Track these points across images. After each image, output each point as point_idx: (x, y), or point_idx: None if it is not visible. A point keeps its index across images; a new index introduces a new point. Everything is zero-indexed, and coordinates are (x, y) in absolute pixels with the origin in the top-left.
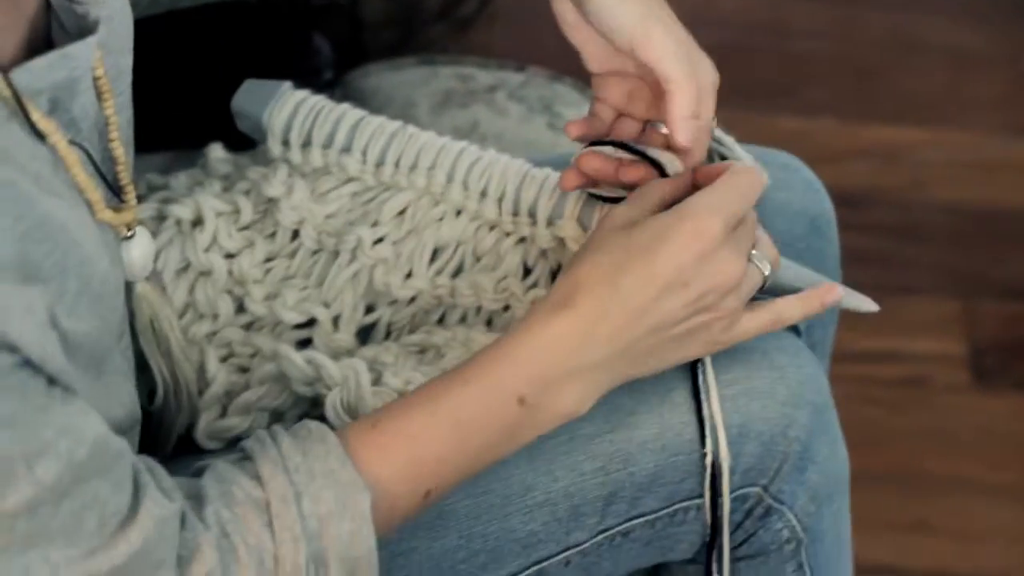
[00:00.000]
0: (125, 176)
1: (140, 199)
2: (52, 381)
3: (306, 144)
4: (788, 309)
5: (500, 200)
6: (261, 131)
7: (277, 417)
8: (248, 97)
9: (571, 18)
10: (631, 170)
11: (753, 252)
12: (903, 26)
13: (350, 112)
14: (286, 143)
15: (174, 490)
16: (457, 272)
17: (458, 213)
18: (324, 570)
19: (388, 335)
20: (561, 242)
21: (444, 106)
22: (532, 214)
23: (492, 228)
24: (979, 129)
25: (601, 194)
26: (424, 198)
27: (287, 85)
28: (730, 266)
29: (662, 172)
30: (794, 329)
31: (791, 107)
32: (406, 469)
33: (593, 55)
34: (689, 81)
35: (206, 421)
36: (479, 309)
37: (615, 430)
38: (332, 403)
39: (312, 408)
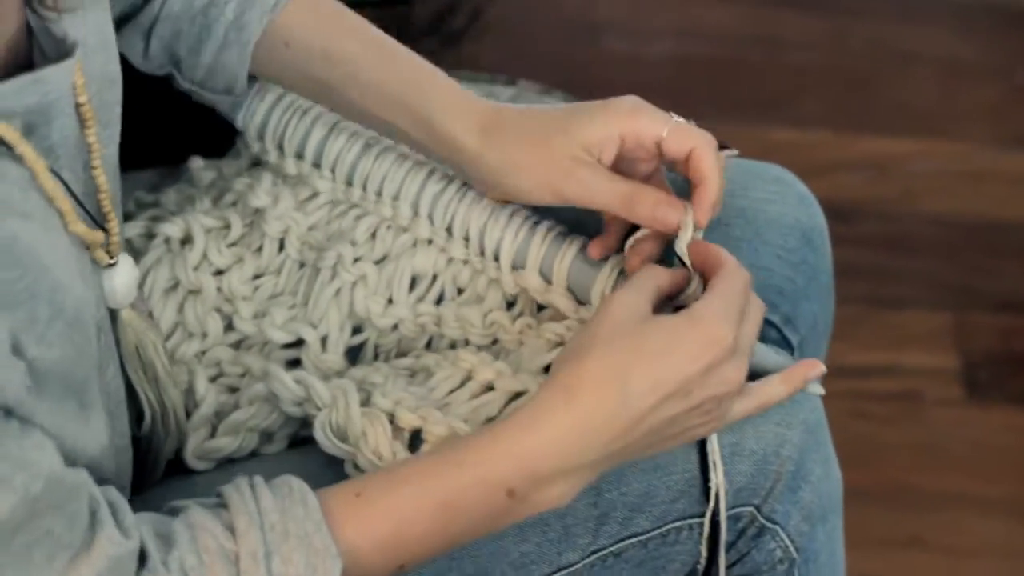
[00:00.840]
0: (107, 204)
1: (129, 217)
2: (9, 412)
3: (279, 148)
4: (773, 391)
5: (466, 240)
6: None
7: (267, 437)
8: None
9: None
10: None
11: None
12: (895, 37)
13: (322, 118)
14: (261, 140)
15: (133, 528)
16: (439, 301)
17: (429, 242)
18: None
19: (376, 357)
20: (525, 289)
21: None
22: (496, 257)
23: (464, 263)
24: (971, 140)
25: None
26: (392, 223)
27: (258, 83)
28: (734, 374)
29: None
30: (787, 346)
31: (783, 119)
32: (384, 543)
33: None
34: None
35: (195, 442)
36: (467, 340)
37: None
38: (321, 424)
39: (302, 428)
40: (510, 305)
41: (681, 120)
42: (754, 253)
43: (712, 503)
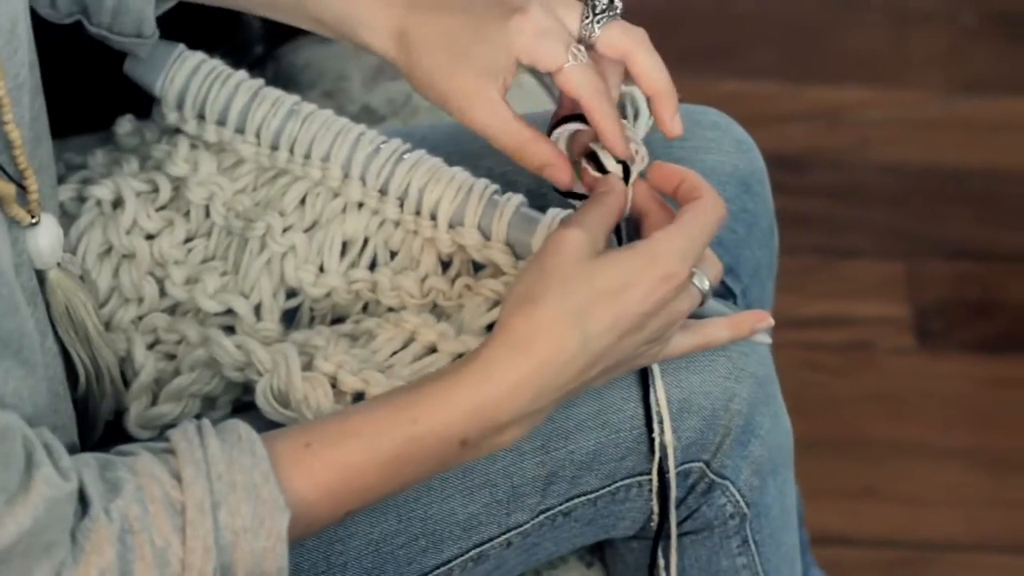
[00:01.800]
0: (23, 160)
1: (60, 180)
2: None
3: (200, 116)
4: (718, 332)
5: (401, 200)
6: (155, 83)
7: (210, 402)
8: (141, 60)
9: None
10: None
11: (694, 270)
12: None
13: (244, 84)
14: (180, 110)
15: (71, 470)
16: (372, 266)
17: (360, 205)
18: None
19: (312, 320)
20: (463, 247)
21: (377, 79)
22: (433, 216)
23: (397, 225)
24: (921, 87)
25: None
26: (321, 189)
27: (180, 48)
28: (685, 305)
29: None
30: (730, 296)
31: (731, 69)
32: (332, 493)
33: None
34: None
35: (136, 410)
36: (404, 306)
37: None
38: (262, 390)
39: (244, 394)
40: (445, 267)
41: (583, 58)
42: None
43: (657, 457)
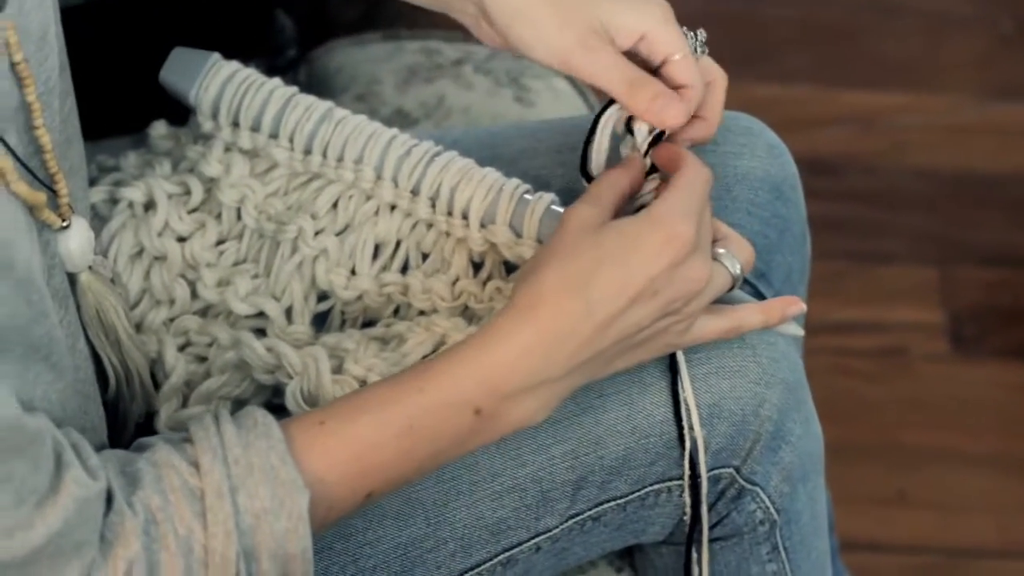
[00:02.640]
0: (53, 164)
1: (92, 182)
2: None
3: (235, 123)
4: (749, 317)
5: (433, 200)
6: (189, 92)
7: (239, 406)
8: (176, 69)
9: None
10: None
11: (722, 251)
12: None
13: (278, 91)
14: (215, 118)
15: (99, 468)
16: (403, 269)
17: (392, 208)
18: (256, 565)
19: (343, 323)
20: (494, 246)
21: (409, 81)
22: (465, 216)
23: (429, 227)
24: (956, 93)
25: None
26: (354, 191)
27: (215, 57)
28: (699, 272)
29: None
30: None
31: (767, 74)
32: (350, 472)
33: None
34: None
35: (167, 412)
36: (435, 310)
37: (584, 412)
38: (292, 392)
39: (274, 396)
40: (477, 269)
41: (698, 54)
42: (724, 210)
43: (688, 451)
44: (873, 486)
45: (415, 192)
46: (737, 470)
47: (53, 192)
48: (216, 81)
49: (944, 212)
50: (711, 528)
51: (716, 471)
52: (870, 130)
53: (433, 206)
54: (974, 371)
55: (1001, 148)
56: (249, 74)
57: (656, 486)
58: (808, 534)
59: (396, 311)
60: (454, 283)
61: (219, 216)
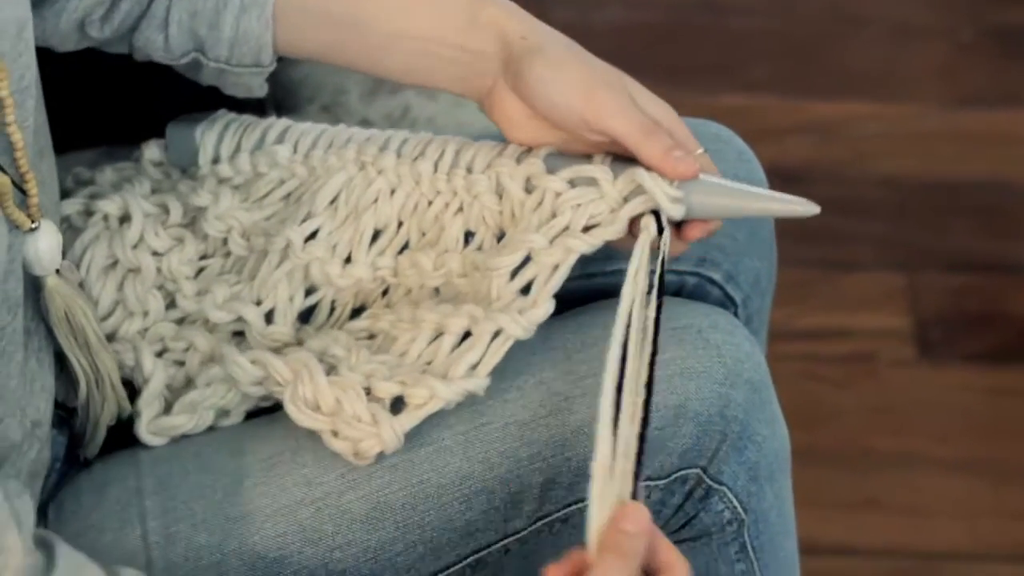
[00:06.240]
0: (24, 163)
1: (67, 194)
2: None
3: (236, 151)
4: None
5: (437, 160)
6: (192, 152)
7: (224, 413)
8: (177, 147)
9: (517, 116)
10: None
11: None
12: (840, 0)
13: (280, 121)
14: (216, 160)
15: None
16: (403, 249)
17: (392, 192)
18: None
19: (331, 313)
20: (498, 196)
21: (375, 93)
22: (470, 169)
23: (430, 203)
24: (919, 101)
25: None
26: (357, 178)
27: (222, 111)
28: None
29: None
30: (730, 303)
31: (730, 85)
32: None
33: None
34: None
35: (148, 416)
36: (422, 284)
37: (550, 415)
38: (291, 399)
39: (261, 400)
40: (468, 238)
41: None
42: None
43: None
44: (842, 491)
45: (421, 156)
46: (704, 470)
47: (23, 192)
48: (221, 121)
49: (909, 219)
50: (679, 529)
51: (683, 472)
52: (834, 139)
53: (436, 168)
54: (941, 376)
55: (964, 154)
56: (253, 117)
57: None
58: (776, 533)
59: (384, 292)
60: (438, 256)
61: (205, 236)
